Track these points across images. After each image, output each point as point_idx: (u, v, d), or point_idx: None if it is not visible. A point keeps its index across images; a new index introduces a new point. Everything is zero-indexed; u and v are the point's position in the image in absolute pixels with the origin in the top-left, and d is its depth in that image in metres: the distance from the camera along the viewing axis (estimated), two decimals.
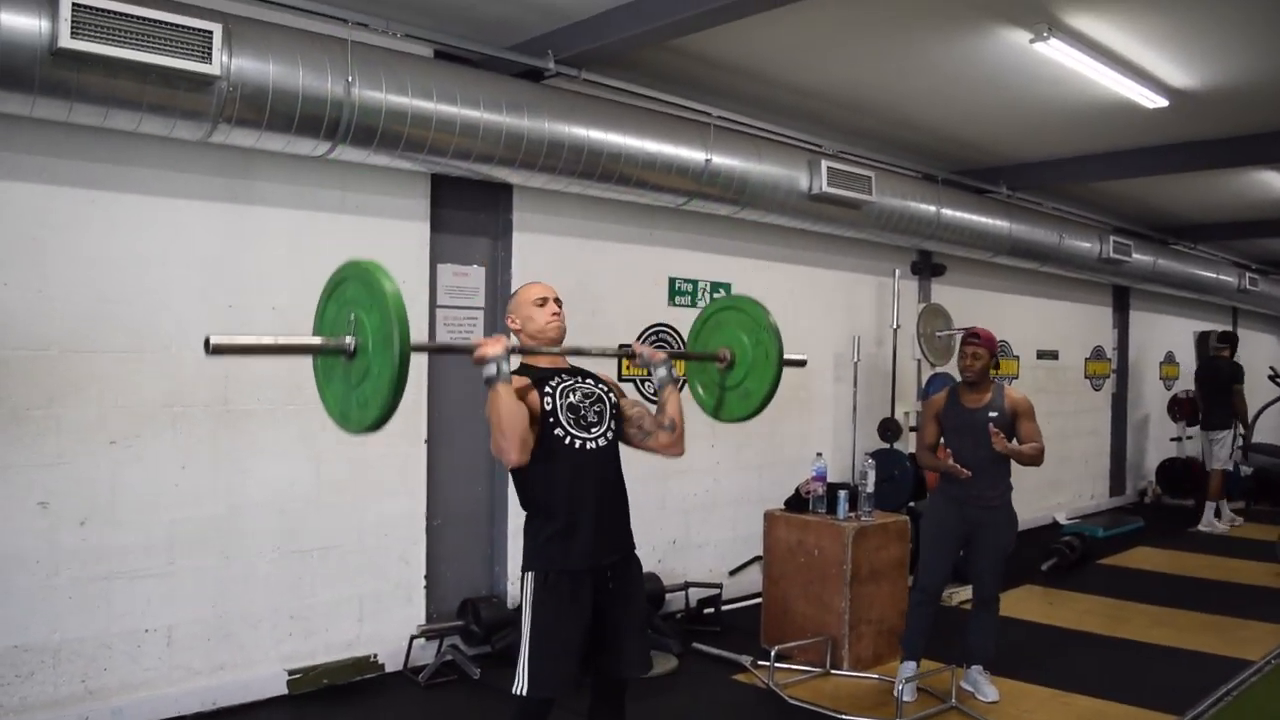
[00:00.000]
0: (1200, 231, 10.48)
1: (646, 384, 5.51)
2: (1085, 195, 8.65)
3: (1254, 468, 10.17)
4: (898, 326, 6.96)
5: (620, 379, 5.27)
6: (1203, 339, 11.39)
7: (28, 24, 3.16)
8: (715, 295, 6.03)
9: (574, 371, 2.94)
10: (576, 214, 5.32)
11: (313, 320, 2.60)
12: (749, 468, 6.31)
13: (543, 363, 2.90)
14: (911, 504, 6.25)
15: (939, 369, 7.27)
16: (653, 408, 3.00)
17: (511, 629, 4.66)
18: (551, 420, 2.77)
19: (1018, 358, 9.11)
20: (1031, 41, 4.54)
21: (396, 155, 4.19)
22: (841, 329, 6.96)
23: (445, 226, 4.82)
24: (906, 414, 7.19)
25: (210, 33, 3.45)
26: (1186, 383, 11.72)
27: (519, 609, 2.82)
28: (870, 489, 5.02)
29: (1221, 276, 11.16)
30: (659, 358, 2.99)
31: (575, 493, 2.77)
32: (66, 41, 3.15)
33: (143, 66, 3.34)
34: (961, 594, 5.81)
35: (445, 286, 4.85)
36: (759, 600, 5.37)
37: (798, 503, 5.20)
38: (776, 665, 4.60)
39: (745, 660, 4.82)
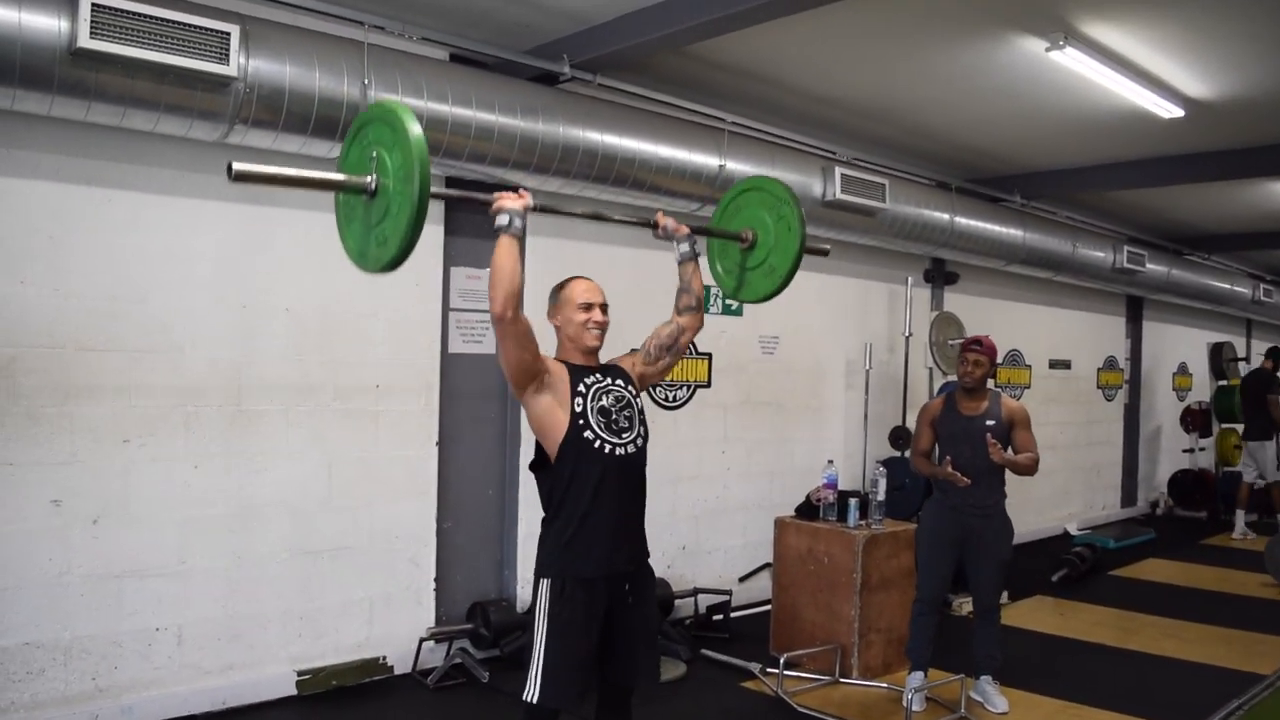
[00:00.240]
0: (1215, 242, 10.44)
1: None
2: (1099, 204, 8.62)
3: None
4: (910, 334, 6.95)
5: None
6: (1216, 350, 11.34)
7: (47, 24, 3.18)
8: (727, 303, 6.03)
9: (606, 371, 2.92)
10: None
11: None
12: (760, 474, 6.28)
13: (577, 359, 2.89)
14: (920, 513, 6.21)
15: (950, 377, 7.25)
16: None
17: (521, 633, 4.67)
18: (581, 422, 2.76)
19: (1030, 367, 9.07)
20: (1048, 50, 4.53)
21: None
22: (853, 336, 6.94)
23: (459, 230, 4.82)
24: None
25: (228, 34, 3.47)
26: (1199, 394, 11.68)
27: (529, 613, 2.81)
28: (881, 497, 5.01)
29: (1235, 288, 11.13)
30: (683, 231, 3.06)
31: (600, 497, 2.76)
32: (85, 41, 3.17)
33: (160, 67, 3.36)
34: (969, 604, 5.77)
35: (459, 289, 4.85)
36: (768, 607, 5.36)
37: (808, 510, 5.19)
38: (785, 673, 4.59)
39: (754, 667, 4.81)
